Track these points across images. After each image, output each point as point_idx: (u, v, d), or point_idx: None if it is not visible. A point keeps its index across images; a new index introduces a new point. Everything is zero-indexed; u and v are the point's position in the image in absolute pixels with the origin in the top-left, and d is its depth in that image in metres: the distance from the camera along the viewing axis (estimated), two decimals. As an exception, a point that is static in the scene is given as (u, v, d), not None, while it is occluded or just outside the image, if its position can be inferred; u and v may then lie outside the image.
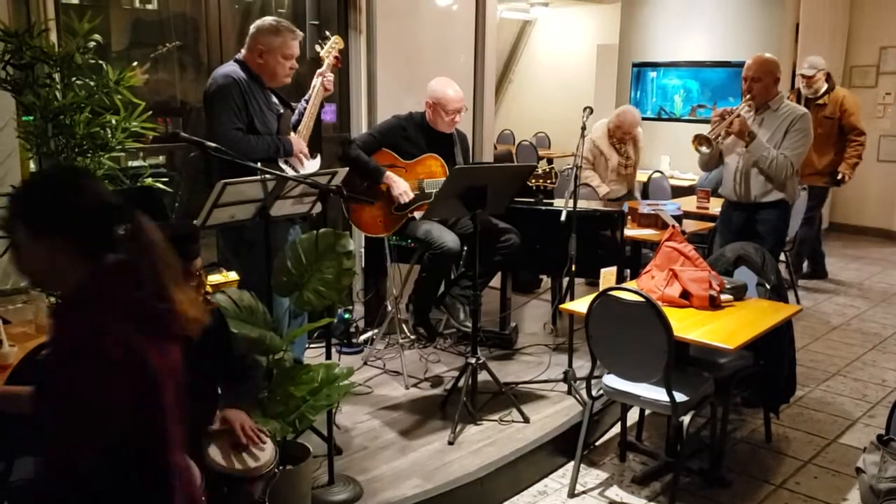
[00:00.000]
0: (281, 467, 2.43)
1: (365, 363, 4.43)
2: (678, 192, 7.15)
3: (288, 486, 2.76)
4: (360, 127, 5.07)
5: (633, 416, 3.81)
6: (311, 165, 3.69)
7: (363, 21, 5.02)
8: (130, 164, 4.45)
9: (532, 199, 4.62)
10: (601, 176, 6.01)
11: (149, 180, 3.89)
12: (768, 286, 3.72)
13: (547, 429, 3.69)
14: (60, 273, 1.45)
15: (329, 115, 5.08)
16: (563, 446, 3.63)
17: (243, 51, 3.56)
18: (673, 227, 4.12)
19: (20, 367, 2.41)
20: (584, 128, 4.09)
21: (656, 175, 6.99)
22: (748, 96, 4.26)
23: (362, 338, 4.72)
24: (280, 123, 3.62)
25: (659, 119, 8.78)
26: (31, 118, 3.53)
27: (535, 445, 3.53)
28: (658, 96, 8.87)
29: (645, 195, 6.73)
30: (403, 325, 4.66)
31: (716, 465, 3.45)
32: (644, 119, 6.51)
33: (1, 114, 3.59)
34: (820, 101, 6.24)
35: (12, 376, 2.39)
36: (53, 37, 3.72)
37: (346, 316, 4.68)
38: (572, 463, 3.50)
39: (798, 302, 5.74)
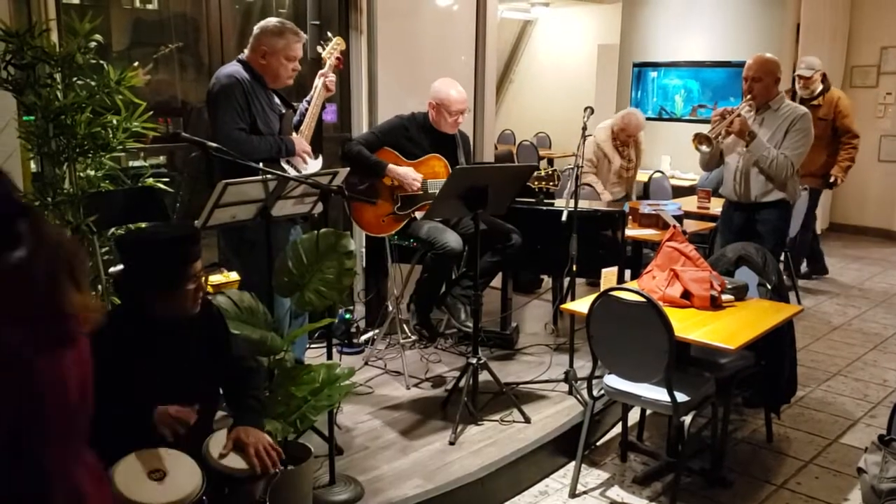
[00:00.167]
0: (282, 467, 2.42)
1: (366, 363, 4.42)
2: (679, 192, 7.15)
3: (289, 486, 2.75)
4: (360, 127, 5.07)
5: (634, 416, 3.80)
6: (313, 166, 3.69)
7: (364, 21, 5.02)
8: (131, 164, 4.45)
9: (533, 200, 4.62)
10: (603, 179, 6.00)
11: (150, 180, 3.90)
12: (769, 286, 3.72)
13: (548, 429, 3.69)
14: None
15: (330, 115, 5.08)
16: (564, 446, 3.63)
17: (246, 51, 3.56)
18: (674, 227, 4.12)
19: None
20: (584, 128, 4.09)
21: (657, 175, 6.99)
22: (749, 96, 4.26)
23: (363, 338, 4.72)
24: (282, 124, 3.62)
25: (660, 119, 8.79)
26: (32, 118, 3.54)
27: (536, 445, 3.53)
28: (659, 96, 8.87)
29: (646, 195, 6.73)
30: (404, 326, 4.66)
31: (717, 465, 3.45)
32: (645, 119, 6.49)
33: (2, 114, 3.59)
34: (815, 102, 6.15)
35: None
36: (54, 37, 3.73)
37: (347, 316, 4.68)
38: (573, 463, 3.50)
39: (799, 302, 5.73)
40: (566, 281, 4.48)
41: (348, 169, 3.29)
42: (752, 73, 4.23)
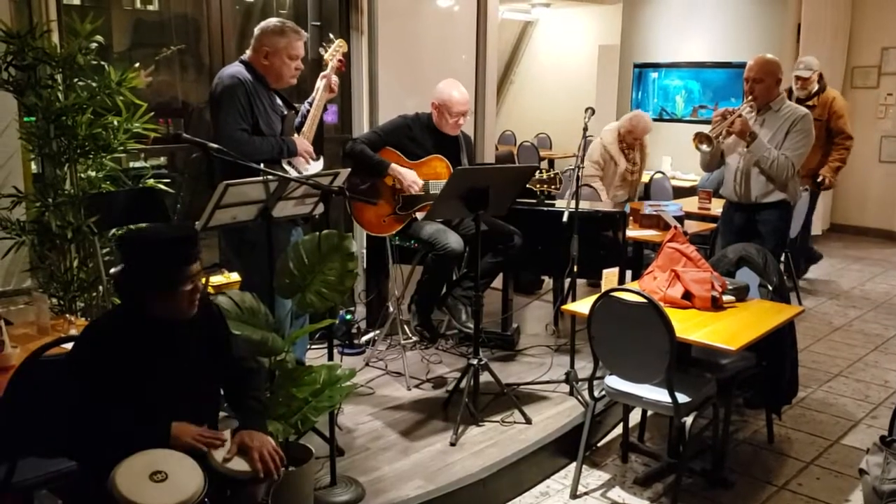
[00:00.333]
0: (283, 469, 2.42)
1: (367, 364, 4.42)
2: (680, 192, 7.15)
3: (290, 487, 2.75)
4: (361, 127, 5.07)
5: (634, 417, 3.80)
6: (314, 167, 3.69)
7: (364, 22, 5.03)
8: (132, 165, 4.46)
9: (534, 200, 4.62)
10: (608, 181, 5.96)
11: (150, 181, 3.90)
12: (770, 287, 3.71)
13: (549, 430, 3.69)
14: None
15: (331, 115, 5.09)
16: (565, 447, 3.63)
17: (248, 52, 3.56)
18: (675, 227, 4.12)
19: (22, 369, 2.41)
20: (585, 129, 4.09)
21: (658, 176, 6.99)
22: (750, 97, 4.26)
23: (364, 339, 4.72)
24: (284, 125, 3.62)
25: (660, 120, 8.79)
26: (33, 119, 3.54)
27: (537, 446, 3.53)
28: (659, 97, 8.88)
29: (647, 196, 6.73)
30: (405, 326, 4.66)
31: (718, 466, 3.44)
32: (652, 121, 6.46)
33: (3, 115, 3.60)
34: (810, 103, 6.06)
35: (15, 377, 2.39)
36: (55, 38, 3.73)
37: (348, 317, 4.68)
38: (574, 464, 3.50)
39: (800, 303, 5.73)
40: (567, 282, 4.48)
41: (349, 170, 3.29)
42: (754, 74, 4.23)
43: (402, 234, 4.31)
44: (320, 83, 3.75)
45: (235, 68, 3.52)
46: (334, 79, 3.77)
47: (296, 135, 3.67)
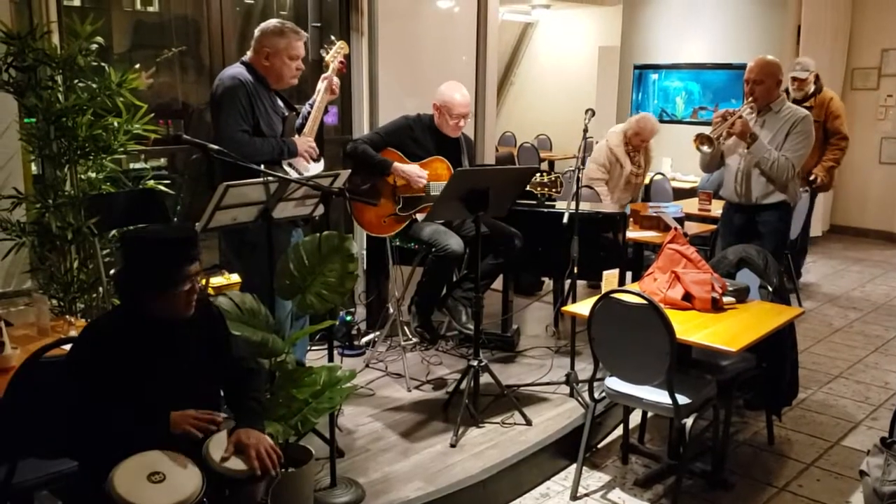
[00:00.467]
0: (283, 470, 2.42)
1: (367, 365, 4.42)
2: (680, 194, 7.15)
3: (290, 488, 2.75)
4: (361, 129, 5.07)
5: (635, 418, 3.80)
6: (314, 168, 3.69)
7: (365, 23, 5.03)
8: (132, 166, 4.46)
9: (534, 202, 4.62)
10: (613, 184, 5.92)
11: (151, 182, 3.90)
12: (770, 288, 3.71)
13: (549, 431, 3.69)
14: None
15: (331, 116, 5.09)
16: (566, 449, 3.62)
17: (249, 53, 3.56)
18: (675, 229, 4.12)
19: (22, 370, 2.41)
20: (586, 130, 4.09)
21: (658, 177, 6.99)
22: (750, 98, 4.26)
23: (364, 340, 4.72)
24: (285, 126, 3.62)
25: (660, 121, 8.75)
26: (34, 120, 3.54)
27: (537, 448, 3.53)
28: (660, 98, 8.88)
29: (647, 197, 6.72)
30: (405, 328, 4.66)
31: (718, 467, 3.44)
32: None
33: (3, 116, 3.60)
34: (807, 104, 6.03)
35: (15, 379, 2.39)
36: (56, 39, 3.73)
37: (348, 318, 4.67)
38: (574, 465, 3.50)
39: (800, 304, 5.73)
40: (567, 283, 4.47)
41: (349, 171, 3.29)
42: (754, 76, 4.23)
43: (403, 236, 4.31)
44: (321, 85, 3.75)
45: (236, 69, 3.52)
46: (335, 80, 3.77)
47: (296, 136, 3.68)
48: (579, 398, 3.99)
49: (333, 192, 3.00)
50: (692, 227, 5.35)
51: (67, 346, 2.31)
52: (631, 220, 5.11)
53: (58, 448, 2.43)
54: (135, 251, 2.24)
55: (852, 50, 8.52)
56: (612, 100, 9.27)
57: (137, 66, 3.84)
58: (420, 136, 4.28)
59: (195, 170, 4.82)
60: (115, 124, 3.63)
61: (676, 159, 8.10)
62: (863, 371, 4.80)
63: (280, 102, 3.64)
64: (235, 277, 4.02)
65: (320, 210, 3.17)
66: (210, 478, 2.13)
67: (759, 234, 4.33)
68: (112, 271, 3.67)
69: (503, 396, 3.91)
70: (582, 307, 3.43)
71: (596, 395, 3.45)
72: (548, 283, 5.87)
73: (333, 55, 3.82)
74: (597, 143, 6.32)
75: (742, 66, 4.50)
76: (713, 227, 5.25)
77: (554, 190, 4.30)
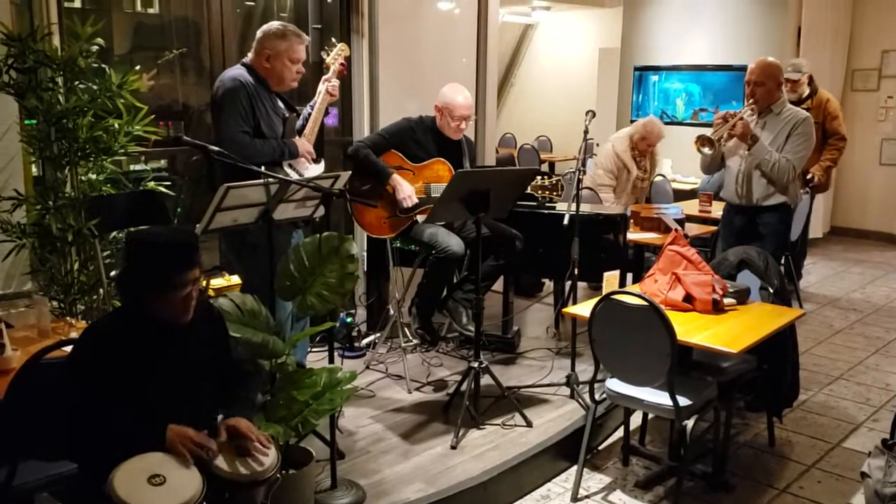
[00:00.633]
0: (283, 472, 2.42)
1: (367, 367, 4.42)
2: (680, 195, 7.14)
3: (291, 490, 2.75)
4: (362, 130, 5.08)
5: (635, 420, 3.80)
6: (315, 170, 3.69)
7: (365, 25, 5.03)
8: (133, 167, 4.46)
9: (535, 203, 4.62)
10: (620, 190, 5.88)
11: (151, 184, 3.91)
12: (771, 290, 3.71)
13: (550, 433, 3.68)
14: None
15: (332, 118, 5.09)
16: (566, 450, 3.62)
17: (250, 55, 3.56)
18: (675, 230, 4.12)
19: (23, 372, 2.40)
20: (586, 131, 4.09)
21: (658, 179, 6.98)
22: (751, 100, 4.26)
23: (364, 342, 4.72)
24: (285, 127, 3.62)
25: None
26: (34, 122, 3.55)
27: (537, 450, 3.53)
28: (660, 100, 8.87)
29: (647, 199, 6.72)
30: (406, 329, 4.65)
31: (719, 469, 3.44)
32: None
33: (4, 118, 3.60)
34: (804, 106, 6.03)
35: (15, 380, 2.39)
36: (56, 41, 3.73)
37: (349, 320, 4.67)
38: (575, 467, 3.49)
39: (800, 306, 5.73)
40: (568, 285, 4.47)
41: (349, 173, 3.29)
42: (755, 78, 4.23)
43: (403, 237, 4.31)
44: (322, 87, 3.75)
45: (237, 71, 3.52)
46: (335, 83, 3.77)
47: (297, 137, 3.68)
48: (580, 400, 3.99)
49: (334, 193, 3.00)
50: (693, 229, 5.35)
51: (68, 348, 2.30)
52: (631, 221, 5.11)
53: (58, 450, 2.42)
54: (134, 251, 2.24)
55: (852, 51, 8.52)
56: (613, 101, 9.27)
57: (138, 67, 3.85)
58: (422, 137, 4.28)
59: (196, 171, 4.82)
60: (116, 126, 3.63)
61: (677, 161, 8.09)
62: (864, 373, 4.80)
63: (280, 104, 3.64)
64: (236, 279, 4.02)
65: (321, 211, 3.17)
66: (210, 481, 2.13)
67: (759, 235, 4.33)
68: (112, 273, 3.67)
69: (504, 398, 3.91)
70: (583, 309, 3.43)
71: (597, 397, 3.44)
72: (548, 284, 5.87)
73: (334, 57, 3.82)
74: (597, 144, 6.30)
75: (742, 68, 4.51)
76: (714, 228, 5.25)
77: (555, 193, 4.30)
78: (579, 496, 3.37)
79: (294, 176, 3.52)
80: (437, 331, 4.45)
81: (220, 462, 2.20)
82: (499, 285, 4.70)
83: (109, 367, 2.15)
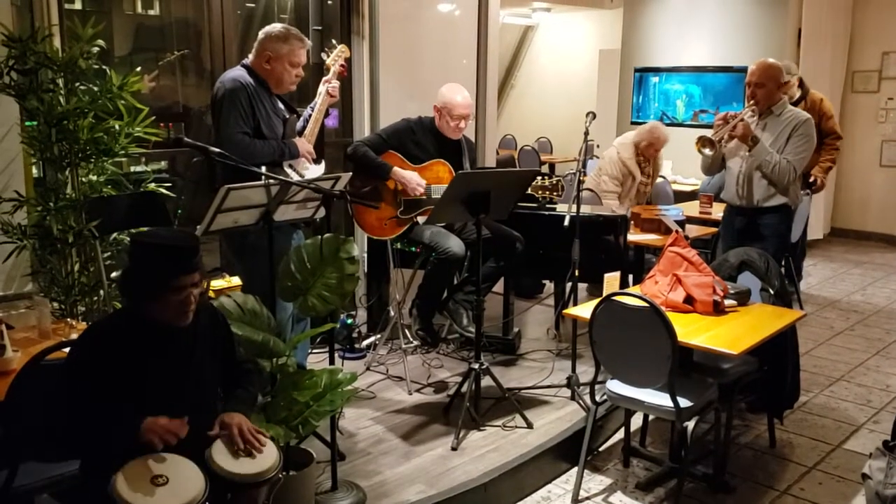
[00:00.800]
0: (284, 473, 2.42)
1: (368, 368, 4.42)
2: (681, 196, 7.14)
3: (291, 491, 2.75)
4: (362, 132, 5.08)
5: (636, 421, 3.80)
6: (315, 171, 3.69)
7: (366, 26, 5.04)
8: (133, 169, 4.47)
9: (535, 205, 4.62)
10: (625, 195, 5.87)
11: (152, 185, 3.90)
12: (772, 291, 3.71)
13: (550, 434, 3.68)
14: None
15: (332, 119, 5.09)
16: (567, 452, 3.62)
17: (251, 56, 3.56)
18: (676, 232, 4.12)
19: (24, 373, 2.40)
20: (586, 133, 4.09)
21: (659, 180, 6.98)
22: (752, 102, 4.26)
23: (365, 343, 4.72)
24: (286, 128, 3.62)
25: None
26: (35, 123, 3.55)
27: (538, 451, 3.52)
28: (660, 101, 8.87)
29: (648, 200, 6.71)
30: (406, 331, 4.65)
31: (720, 470, 3.44)
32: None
33: (5, 119, 3.60)
34: (799, 107, 6.03)
35: (16, 382, 2.39)
36: (57, 42, 3.74)
37: (349, 321, 4.67)
38: (576, 469, 3.49)
39: (801, 307, 5.72)
40: (568, 286, 4.47)
41: (350, 174, 3.29)
42: (755, 79, 4.23)
43: (404, 238, 4.31)
44: (322, 88, 3.75)
45: (237, 72, 3.52)
46: (335, 84, 3.77)
47: (297, 137, 3.68)
48: (580, 401, 3.99)
49: (335, 194, 3.00)
50: (693, 230, 5.35)
51: (68, 350, 2.30)
52: (632, 222, 5.11)
53: (59, 451, 2.42)
54: (134, 252, 2.24)
55: (853, 53, 8.53)
56: (613, 103, 9.28)
57: (139, 69, 3.84)
58: (421, 138, 4.28)
59: (196, 173, 4.82)
60: (117, 127, 3.63)
61: (677, 162, 8.09)
62: (864, 374, 4.80)
63: (281, 105, 3.64)
64: (236, 280, 4.02)
65: (321, 213, 3.17)
66: (213, 481, 2.13)
67: (760, 236, 4.33)
68: (113, 274, 3.67)
69: (504, 399, 3.91)
70: (583, 310, 3.43)
71: (597, 398, 3.44)
72: (549, 285, 5.86)
73: (334, 59, 3.82)
74: (598, 146, 6.29)
75: (743, 69, 4.51)
76: (714, 229, 5.25)
77: (555, 193, 4.30)
78: (580, 498, 3.37)
79: (294, 176, 3.52)
80: (437, 332, 4.45)
81: (223, 462, 2.20)
82: (499, 287, 4.70)
83: (107, 367, 2.15)
